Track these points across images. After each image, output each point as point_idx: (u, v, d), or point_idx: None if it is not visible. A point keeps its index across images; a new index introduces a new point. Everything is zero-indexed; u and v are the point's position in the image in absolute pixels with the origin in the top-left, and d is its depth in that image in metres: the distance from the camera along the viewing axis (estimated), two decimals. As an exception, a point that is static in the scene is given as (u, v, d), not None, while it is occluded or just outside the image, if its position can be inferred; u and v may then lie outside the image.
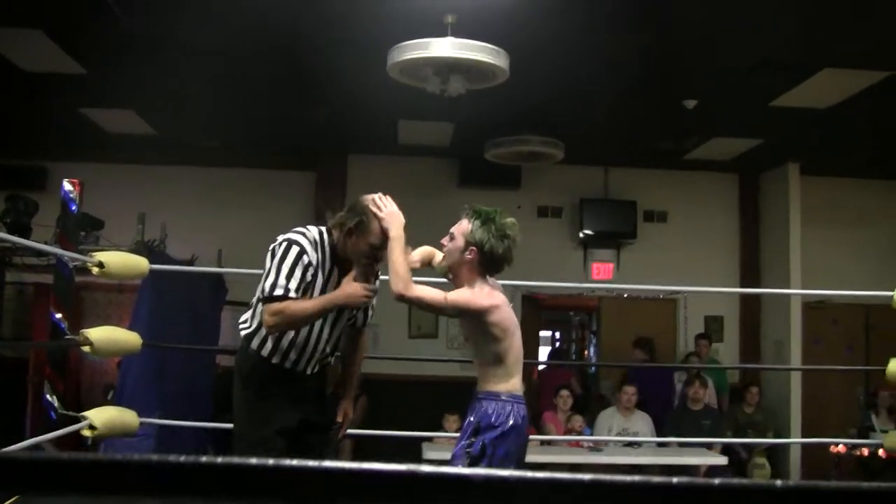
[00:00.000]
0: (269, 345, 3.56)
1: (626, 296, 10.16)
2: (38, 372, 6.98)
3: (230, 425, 3.87)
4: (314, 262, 3.49)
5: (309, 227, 3.61)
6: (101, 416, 5.23)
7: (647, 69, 7.13)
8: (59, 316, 5.54)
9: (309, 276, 3.48)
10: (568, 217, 10.68)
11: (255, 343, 3.58)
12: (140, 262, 5.48)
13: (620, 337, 10.48)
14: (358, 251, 3.52)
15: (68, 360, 5.69)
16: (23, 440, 5.08)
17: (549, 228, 10.66)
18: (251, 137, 9.76)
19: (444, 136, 9.62)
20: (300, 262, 3.44)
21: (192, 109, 8.74)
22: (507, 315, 3.47)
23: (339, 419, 3.85)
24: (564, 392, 8.39)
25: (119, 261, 5.34)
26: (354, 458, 8.87)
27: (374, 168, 10.59)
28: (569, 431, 8.10)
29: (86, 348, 5.19)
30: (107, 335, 5.27)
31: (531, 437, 7.57)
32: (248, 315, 3.67)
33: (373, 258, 3.53)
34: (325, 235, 3.58)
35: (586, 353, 14.34)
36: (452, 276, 3.54)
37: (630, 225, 10.41)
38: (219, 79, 7.73)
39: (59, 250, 5.50)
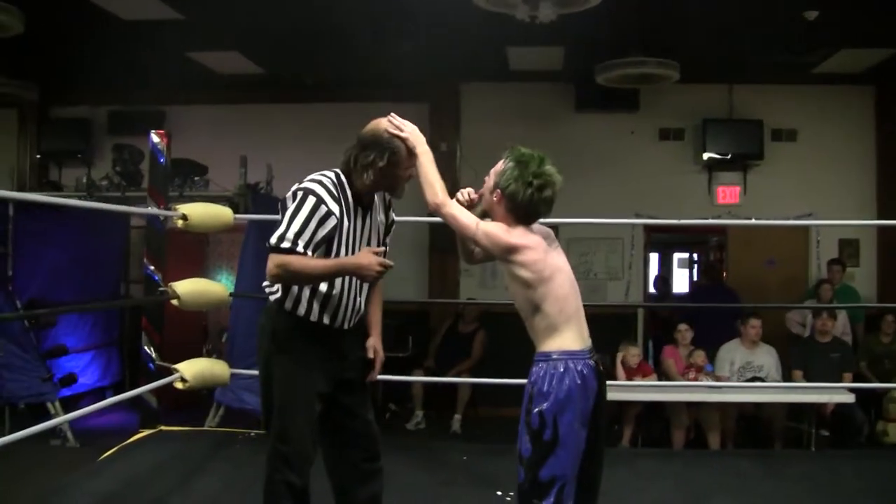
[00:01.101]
0: (303, 303, 3.39)
1: (753, 219, 9.62)
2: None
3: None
4: (336, 212, 3.29)
5: (326, 172, 3.39)
6: (192, 369, 5.28)
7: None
8: (151, 268, 5.59)
9: (329, 227, 3.28)
10: (690, 139, 10.17)
11: (288, 304, 3.40)
12: (223, 212, 5.46)
13: (750, 261, 10.05)
14: (395, 181, 3.40)
15: (164, 311, 5.69)
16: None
17: (671, 151, 10.21)
18: (359, 71, 9.58)
19: (556, 60, 9.26)
20: (316, 214, 3.24)
21: (295, 46, 8.65)
22: (540, 258, 3.12)
23: (371, 355, 3.62)
24: (683, 326, 8.01)
25: (202, 212, 5.35)
26: (471, 399, 8.88)
27: (487, 96, 10.38)
28: (689, 367, 7.77)
29: (174, 301, 5.23)
30: (193, 288, 5.30)
31: (643, 381, 7.44)
32: None
33: (409, 177, 3.40)
34: (344, 178, 3.39)
35: (725, 274, 13.76)
36: (489, 220, 3.26)
37: (756, 145, 9.80)
38: (317, 13, 7.58)
39: (130, 209, 5.51)
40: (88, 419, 8.27)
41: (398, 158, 3.32)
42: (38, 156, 10.49)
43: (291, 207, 3.26)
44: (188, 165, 8.25)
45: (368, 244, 3.48)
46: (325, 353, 3.43)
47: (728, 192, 10.05)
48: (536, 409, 3.07)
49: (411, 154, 3.31)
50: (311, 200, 3.25)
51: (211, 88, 9.98)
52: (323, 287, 3.36)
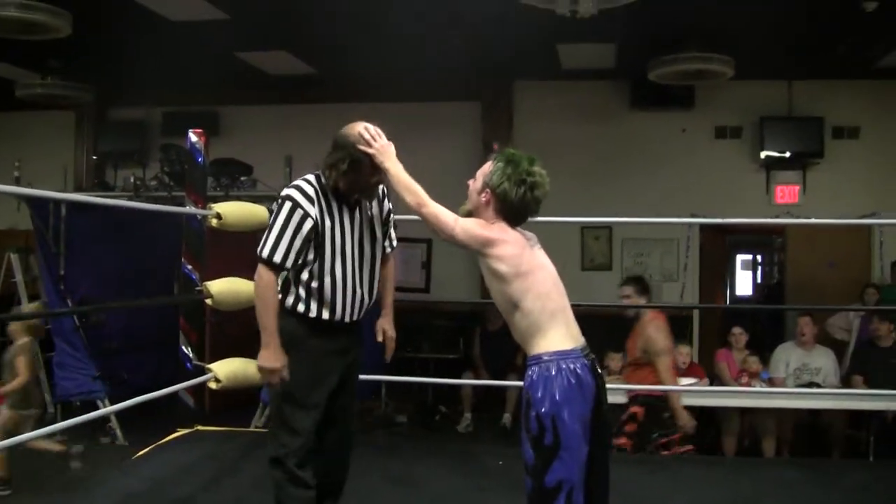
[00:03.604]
0: (301, 301, 3.48)
1: (813, 219, 9.33)
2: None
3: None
4: (313, 213, 3.38)
5: (308, 175, 3.48)
6: (225, 369, 5.25)
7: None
8: (189, 267, 5.58)
9: (306, 229, 3.37)
10: (748, 137, 9.95)
11: (289, 302, 3.49)
12: (258, 211, 5.41)
13: (809, 263, 9.74)
14: (361, 185, 3.43)
15: (203, 311, 5.67)
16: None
17: (728, 150, 10.01)
18: (411, 70, 9.50)
19: (608, 58, 9.11)
20: (292, 220, 3.36)
21: (343, 45, 8.62)
22: (517, 253, 3.08)
23: (379, 339, 3.80)
24: (737, 329, 7.77)
25: (237, 211, 5.32)
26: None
27: (541, 94, 10.29)
28: (742, 371, 7.54)
29: (208, 301, 5.20)
30: (227, 287, 5.25)
31: (695, 382, 7.22)
32: None
33: (376, 184, 3.48)
34: (322, 179, 3.45)
35: (784, 275, 13.44)
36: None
37: (817, 143, 9.56)
38: (365, 11, 7.53)
39: (169, 208, 5.50)
40: (140, 418, 8.37)
41: (359, 167, 3.36)
42: (95, 157, 10.62)
43: (273, 216, 3.42)
44: (234, 165, 8.27)
45: (361, 239, 3.55)
46: (328, 347, 3.52)
47: (787, 192, 9.80)
48: (534, 414, 2.97)
49: (376, 166, 3.33)
50: (286, 206, 3.39)
51: (262, 88, 10.01)
52: (314, 284, 3.45)
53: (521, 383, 7.65)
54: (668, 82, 8.55)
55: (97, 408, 7.81)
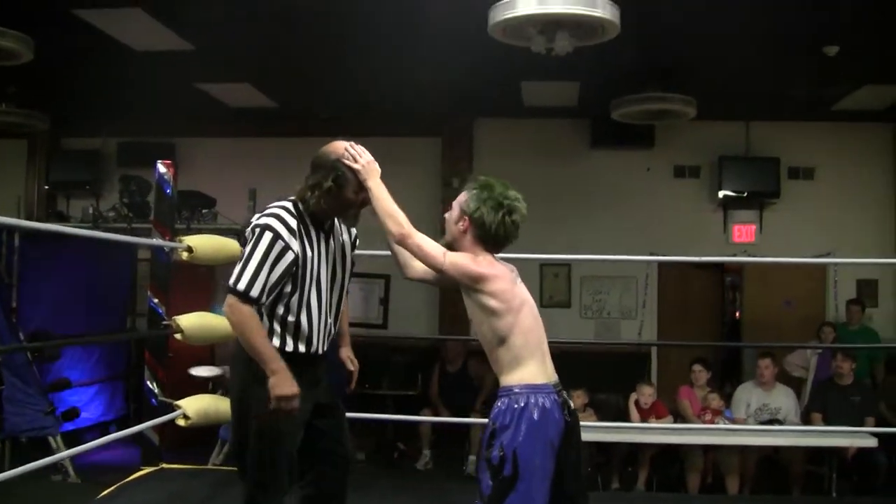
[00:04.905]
0: (276, 335, 3.28)
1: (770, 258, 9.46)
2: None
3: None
4: (294, 246, 3.21)
5: (284, 202, 3.31)
6: (195, 406, 5.14)
7: (780, 13, 6.50)
8: (155, 301, 5.47)
9: (287, 262, 3.19)
10: (706, 176, 10.07)
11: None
12: (229, 245, 5.34)
13: (766, 301, 9.87)
14: (345, 205, 3.30)
15: (167, 346, 5.56)
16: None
17: (687, 189, 10.12)
18: (372, 105, 9.48)
19: (571, 96, 9.16)
20: (272, 252, 3.16)
21: (308, 80, 8.59)
22: (508, 288, 3.09)
23: (350, 368, 3.75)
24: (697, 366, 7.79)
25: (208, 244, 5.24)
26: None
27: (501, 131, 10.31)
28: (705, 409, 7.56)
29: (177, 335, 5.09)
30: (198, 322, 5.15)
31: (657, 422, 7.24)
32: None
33: (361, 205, 3.31)
34: (301, 206, 3.29)
35: (738, 314, 13.60)
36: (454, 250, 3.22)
37: (773, 183, 9.69)
38: (330, 46, 7.49)
39: (135, 239, 5.39)
40: (91, 454, 8.15)
41: (344, 181, 3.24)
42: (47, 186, 10.41)
43: (249, 246, 3.20)
44: (196, 198, 8.16)
45: (333, 267, 3.41)
46: (301, 380, 3.24)
47: (744, 231, 9.91)
48: (497, 444, 2.97)
49: (360, 185, 3.24)
50: (267, 237, 3.18)
51: (221, 121, 9.90)
52: (291, 318, 3.28)
53: (484, 420, 7.62)
54: (629, 121, 8.61)
55: (48, 444, 7.61)
